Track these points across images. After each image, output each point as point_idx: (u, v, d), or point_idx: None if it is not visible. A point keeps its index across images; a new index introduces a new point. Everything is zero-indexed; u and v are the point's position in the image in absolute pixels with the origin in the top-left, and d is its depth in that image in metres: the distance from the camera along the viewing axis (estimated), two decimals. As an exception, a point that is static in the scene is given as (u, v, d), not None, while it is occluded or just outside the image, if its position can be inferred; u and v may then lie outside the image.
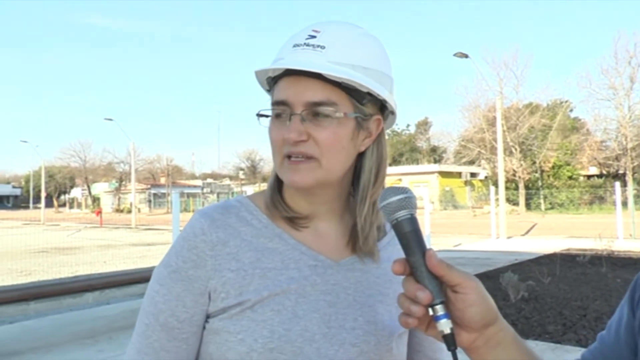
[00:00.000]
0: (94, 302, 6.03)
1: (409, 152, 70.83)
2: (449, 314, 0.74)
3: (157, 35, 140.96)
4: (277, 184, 0.96)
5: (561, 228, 22.86)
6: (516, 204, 40.62)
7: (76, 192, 77.08)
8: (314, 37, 0.89)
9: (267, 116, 0.92)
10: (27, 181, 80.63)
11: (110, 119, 37.13)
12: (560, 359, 4.81)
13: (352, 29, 0.92)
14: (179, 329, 0.89)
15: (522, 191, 40.36)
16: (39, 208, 49.17)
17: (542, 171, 43.20)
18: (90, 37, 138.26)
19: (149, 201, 62.31)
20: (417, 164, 61.27)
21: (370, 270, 0.96)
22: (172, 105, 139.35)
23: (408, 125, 75.57)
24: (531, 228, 23.61)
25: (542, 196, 41.46)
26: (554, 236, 18.58)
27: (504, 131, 27.82)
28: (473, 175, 50.76)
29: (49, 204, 64.13)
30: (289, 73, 0.87)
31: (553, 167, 43.22)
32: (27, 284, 6.55)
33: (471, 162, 48.36)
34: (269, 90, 0.96)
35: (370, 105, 0.91)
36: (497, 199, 19.41)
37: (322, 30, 0.89)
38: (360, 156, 0.94)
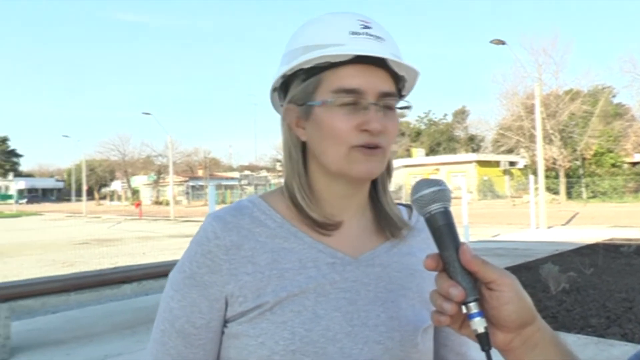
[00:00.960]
0: (132, 293, 6.13)
1: (446, 141, 70.11)
2: (483, 312, 0.70)
3: (193, 30, 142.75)
4: (307, 187, 0.91)
5: (604, 217, 22.25)
6: (556, 192, 39.75)
7: (116, 185, 78.93)
8: (368, 27, 0.87)
9: (313, 104, 0.87)
10: (69, 175, 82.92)
11: (148, 113, 37.76)
12: (604, 353, 4.66)
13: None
14: (195, 335, 0.88)
15: (562, 180, 39.46)
16: (81, 201, 50.51)
17: (584, 159, 42.08)
18: (128, 34, 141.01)
19: (187, 193, 63.28)
20: (455, 153, 60.55)
21: (391, 265, 0.94)
22: (209, 99, 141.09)
23: (445, 115, 74.77)
24: (572, 217, 23.06)
25: (583, 184, 40.48)
26: (597, 226, 18.10)
27: (543, 119, 27.17)
28: (512, 164, 49.86)
29: (90, 197, 65.85)
30: (355, 61, 0.84)
31: (595, 155, 42.03)
32: (68, 275, 6.67)
33: (510, 151, 47.46)
34: (283, 82, 0.93)
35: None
36: (536, 188, 19.01)
37: (370, 22, 0.88)
38: None
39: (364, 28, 0.86)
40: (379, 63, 0.85)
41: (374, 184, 0.96)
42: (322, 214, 0.90)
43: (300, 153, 0.92)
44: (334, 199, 0.92)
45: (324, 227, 0.90)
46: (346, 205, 0.93)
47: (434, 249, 0.97)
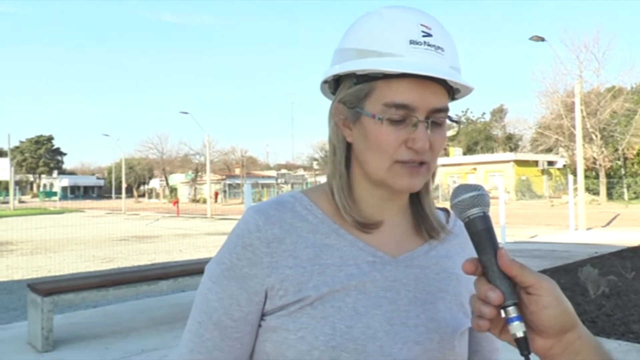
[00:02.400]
0: (169, 289, 6.24)
1: (483, 140, 69.15)
2: (521, 317, 0.70)
3: (231, 30, 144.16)
4: (348, 188, 0.92)
5: (647, 219, 21.58)
6: (596, 193, 38.72)
7: (154, 183, 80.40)
8: (429, 35, 0.84)
9: (360, 113, 0.87)
10: (110, 173, 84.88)
11: (186, 112, 38.28)
12: (645, 359, 4.53)
13: (442, 24, 0.89)
14: (232, 328, 0.87)
15: (603, 180, 38.40)
16: (121, 198, 51.64)
17: (626, 159, 40.87)
18: (168, 34, 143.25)
19: (224, 191, 63.95)
20: (492, 152, 59.67)
21: (430, 267, 0.93)
22: (246, 98, 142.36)
23: (483, 113, 73.80)
24: (613, 219, 22.42)
25: (625, 185, 39.33)
26: (639, 228, 17.56)
27: (583, 117, 26.53)
28: (550, 163, 48.83)
29: (129, 194, 67.22)
30: (414, 75, 0.81)
31: (638, 154, 40.78)
32: (106, 271, 6.88)
33: (548, 150, 46.47)
34: (329, 85, 0.94)
35: None
36: (575, 188, 18.55)
37: (432, 27, 0.85)
38: None
39: (424, 36, 0.83)
40: (436, 78, 0.83)
41: None
42: (361, 214, 0.90)
43: (344, 153, 0.91)
44: (374, 201, 0.92)
45: (364, 226, 0.90)
46: (386, 207, 0.93)
47: (470, 253, 0.97)
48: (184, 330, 0.93)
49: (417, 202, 0.97)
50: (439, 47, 0.84)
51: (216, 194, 58.19)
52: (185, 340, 0.91)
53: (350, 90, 0.88)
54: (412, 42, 0.83)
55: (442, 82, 0.84)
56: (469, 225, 0.75)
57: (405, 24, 0.84)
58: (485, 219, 0.75)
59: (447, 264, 0.96)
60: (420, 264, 0.93)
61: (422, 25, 0.84)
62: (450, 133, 0.93)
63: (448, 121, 0.88)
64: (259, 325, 0.89)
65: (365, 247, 0.90)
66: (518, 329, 0.70)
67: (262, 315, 0.88)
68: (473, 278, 0.75)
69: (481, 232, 0.74)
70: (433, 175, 0.96)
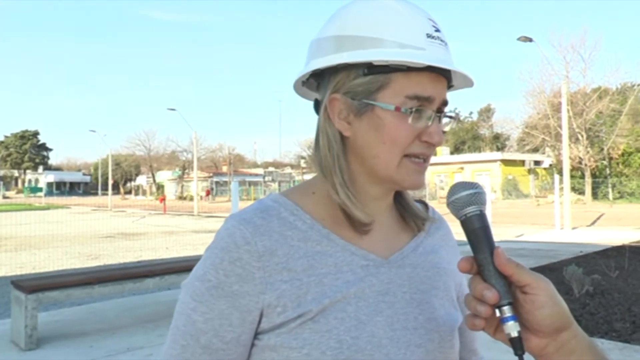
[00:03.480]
0: (155, 287, 6.22)
1: (471, 139, 69.54)
2: (516, 317, 0.71)
3: (219, 27, 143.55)
4: (350, 183, 0.87)
5: (631, 218, 21.81)
6: (582, 193, 39.11)
7: (141, 180, 79.99)
8: (438, 30, 0.84)
9: (373, 104, 0.83)
10: (96, 169, 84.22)
11: (174, 109, 38.15)
12: (629, 359, 4.59)
13: None
14: (224, 350, 0.81)
15: (588, 180, 38.78)
16: (107, 194, 51.31)
17: (611, 159, 41.30)
18: (157, 30, 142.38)
19: (211, 189, 63.74)
20: (480, 151, 60.05)
21: (420, 264, 0.92)
22: (234, 95, 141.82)
23: (471, 113, 74.09)
24: (598, 218, 22.66)
25: (610, 185, 39.76)
26: (623, 227, 17.74)
27: (569, 117, 26.75)
28: (537, 163, 49.21)
29: (115, 191, 66.81)
30: (431, 68, 0.81)
31: (623, 155, 41.22)
32: (91, 268, 6.84)
33: (535, 150, 46.86)
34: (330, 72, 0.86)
35: None
36: (561, 188, 18.71)
37: (436, 21, 0.85)
38: None
39: (436, 31, 0.83)
40: (444, 72, 0.83)
41: None
42: (365, 212, 0.86)
43: (341, 148, 0.86)
44: (369, 199, 0.89)
45: (362, 226, 0.86)
46: (378, 206, 0.91)
47: (451, 246, 0.96)
48: (163, 353, 0.85)
49: (400, 197, 0.96)
50: (446, 43, 0.85)
51: (208, 192, 58.14)
52: None
53: (358, 81, 0.82)
54: (428, 35, 0.82)
55: (447, 78, 0.85)
56: (466, 223, 0.75)
57: (418, 17, 0.83)
58: (482, 217, 0.75)
59: (434, 259, 0.94)
60: (411, 262, 0.91)
61: (430, 19, 0.84)
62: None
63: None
64: (253, 345, 0.83)
65: (358, 251, 0.86)
66: (513, 328, 0.70)
67: (257, 334, 0.82)
68: (458, 270, 0.75)
69: (478, 230, 0.74)
70: None
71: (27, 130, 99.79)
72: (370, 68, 0.81)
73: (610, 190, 39.66)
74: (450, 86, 0.88)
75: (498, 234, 15.59)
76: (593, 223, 20.35)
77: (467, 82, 0.90)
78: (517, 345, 0.70)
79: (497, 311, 0.71)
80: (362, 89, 0.82)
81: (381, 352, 0.82)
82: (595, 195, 39.41)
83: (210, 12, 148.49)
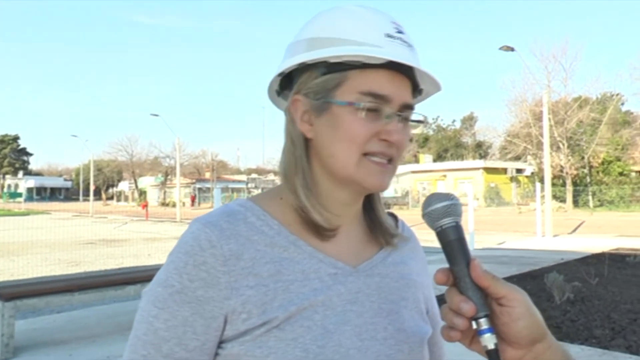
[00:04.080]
0: (136, 294, 6.13)
1: (453, 147, 70.08)
2: (493, 328, 0.70)
3: (202, 32, 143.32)
4: (312, 186, 0.86)
5: (610, 226, 22.11)
6: (563, 200, 39.57)
7: (123, 186, 79.24)
8: (401, 32, 0.83)
9: (332, 102, 0.82)
10: (78, 174, 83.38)
11: (156, 115, 37.89)
12: (608, 364, 4.63)
13: None
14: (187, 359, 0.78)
15: (569, 188, 39.29)
16: (88, 200, 50.80)
17: (591, 167, 41.91)
18: (139, 35, 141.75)
19: (195, 195, 63.36)
20: (462, 159, 60.47)
21: (389, 274, 0.91)
22: (217, 101, 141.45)
23: (453, 121, 74.74)
24: (578, 226, 22.92)
25: (590, 193, 40.30)
26: (603, 235, 17.98)
27: (551, 126, 27.06)
28: (519, 171, 49.71)
29: (97, 197, 66.14)
30: (390, 67, 0.80)
31: (603, 163, 41.87)
32: (71, 275, 6.75)
33: (517, 158, 47.33)
34: (293, 72, 0.87)
35: None
36: (542, 196, 18.91)
37: (402, 27, 0.84)
38: None
39: (397, 32, 0.83)
40: (406, 72, 0.81)
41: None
42: (327, 214, 0.85)
43: (304, 150, 0.85)
44: (334, 204, 0.87)
45: (325, 231, 0.85)
46: (344, 212, 0.88)
47: (420, 257, 0.96)
48: None
49: (370, 208, 0.93)
50: (410, 45, 0.83)
51: (193, 198, 57.84)
52: None
53: (317, 80, 0.83)
54: (387, 35, 0.81)
55: (411, 80, 0.83)
56: (441, 235, 0.74)
57: (379, 19, 0.83)
58: (458, 229, 0.74)
59: (404, 270, 0.93)
60: (380, 272, 0.90)
61: (393, 23, 0.84)
62: (415, 131, 0.90)
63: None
64: (216, 354, 0.80)
65: (325, 259, 0.85)
66: (489, 341, 0.70)
67: (220, 342, 0.79)
68: (428, 283, 0.74)
69: (453, 242, 0.73)
70: None
71: (6, 135, 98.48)
72: (328, 67, 0.81)
73: (590, 198, 40.18)
74: (420, 90, 0.87)
75: (480, 241, 15.71)
76: (574, 231, 20.58)
77: (435, 86, 0.88)
78: (494, 357, 0.70)
79: (474, 323, 0.70)
80: (321, 88, 0.82)
81: None
82: (576, 203, 39.89)
83: (194, 17, 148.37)
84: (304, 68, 0.84)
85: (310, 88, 0.83)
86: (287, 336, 0.77)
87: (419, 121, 0.86)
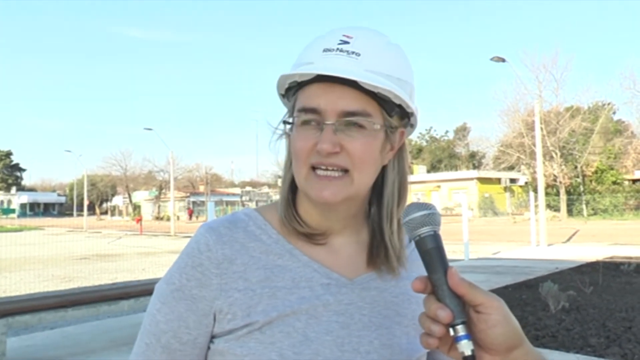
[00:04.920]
0: (130, 309, 6.10)
1: (447, 158, 70.33)
2: (470, 335, 0.71)
3: (195, 47, 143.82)
4: (292, 197, 0.90)
5: (604, 235, 22.19)
6: (557, 210, 39.71)
7: (117, 200, 78.97)
8: (346, 42, 0.84)
9: (289, 123, 0.87)
10: (71, 189, 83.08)
11: (150, 129, 37.89)
12: (603, 373, 4.62)
13: (381, 36, 0.88)
14: (181, 351, 0.85)
15: (563, 197, 39.43)
16: (82, 215, 50.59)
17: (584, 176, 42.12)
18: (131, 50, 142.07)
19: (187, 209, 63.19)
20: (456, 170, 60.68)
21: (388, 289, 0.91)
22: (211, 115, 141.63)
23: (447, 131, 75.16)
24: (573, 235, 22.99)
25: (584, 202, 40.47)
26: (597, 243, 18.03)
27: (543, 135, 27.22)
28: (513, 181, 49.88)
29: (91, 212, 65.86)
30: (321, 79, 0.82)
31: (596, 172, 42.10)
32: (64, 291, 6.72)
33: (511, 168, 47.51)
34: (284, 95, 0.92)
35: (396, 117, 0.87)
36: (536, 205, 18.97)
37: (355, 36, 0.84)
38: (382, 170, 0.90)
39: (341, 44, 0.83)
40: (346, 81, 0.80)
41: (380, 206, 0.90)
42: (305, 224, 0.88)
43: (290, 167, 0.90)
44: (316, 212, 0.89)
45: (309, 236, 0.88)
46: (330, 225, 0.90)
47: None
48: (132, 351, 0.90)
49: (377, 225, 0.91)
50: (353, 52, 0.83)
51: (190, 212, 57.78)
52: None
53: (288, 105, 0.90)
54: (325, 49, 0.84)
55: (356, 86, 0.81)
56: (420, 243, 0.75)
57: (328, 37, 0.86)
58: (436, 237, 0.75)
59: (407, 286, 0.90)
60: (377, 286, 0.90)
61: (343, 35, 0.85)
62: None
63: (378, 127, 0.84)
64: (208, 348, 0.86)
65: (320, 269, 0.87)
66: (466, 347, 0.71)
67: (212, 337, 0.86)
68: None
69: (431, 250, 0.74)
70: (401, 195, 0.91)
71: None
72: (291, 91, 0.88)
73: (584, 207, 40.35)
74: (378, 95, 0.83)
75: (475, 251, 15.72)
76: (568, 239, 20.64)
77: (388, 91, 0.84)
78: None
79: (451, 330, 0.71)
80: (289, 111, 0.89)
81: None
82: (570, 212, 40.03)
83: (186, 31, 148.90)
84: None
85: (289, 109, 0.90)
86: (266, 339, 0.81)
87: (355, 123, 0.83)
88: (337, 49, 0.83)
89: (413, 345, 0.89)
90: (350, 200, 0.86)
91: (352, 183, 0.83)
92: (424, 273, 0.95)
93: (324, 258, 0.88)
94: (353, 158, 0.82)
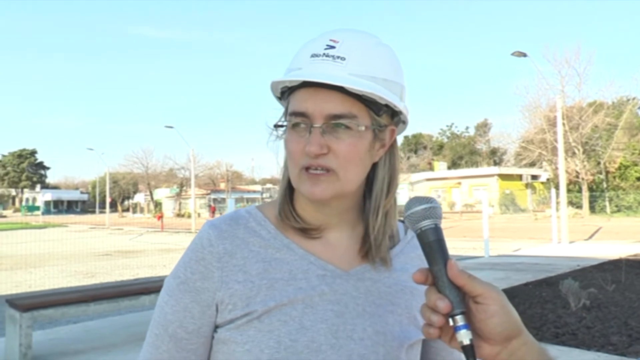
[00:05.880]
0: (151, 304, 6.18)
1: (468, 154, 69.80)
2: (469, 325, 0.73)
3: (216, 45, 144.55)
4: (289, 194, 0.96)
5: (628, 232, 21.82)
6: (579, 207, 39.13)
7: (139, 198, 79.75)
8: (332, 47, 0.88)
9: (282, 126, 0.92)
10: (94, 187, 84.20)
11: (171, 127, 38.21)
12: (624, 371, 4.57)
13: (369, 38, 0.91)
14: (187, 340, 0.91)
15: (585, 193, 38.85)
16: (105, 213, 51.26)
17: (607, 172, 41.42)
18: (153, 48, 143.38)
19: (209, 206, 63.66)
20: (477, 166, 60.21)
21: (382, 280, 0.95)
22: (231, 113, 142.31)
23: (467, 128, 74.61)
24: (595, 232, 22.67)
25: (607, 198, 39.83)
26: (620, 241, 17.77)
27: (565, 131, 26.87)
28: (534, 177, 49.32)
29: (113, 209, 66.64)
30: (308, 84, 0.86)
31: (619, 168, 41.35)
32: (87, 286, 6.85)
33: (532, 164, 46.94)
34: (280, 98, 0.96)
35: (385, 116, 0.91)
36: (558, 202, 18.75)
37: (341, 40, 0.88)
38: (373, 166, 0.94)
39: (327, 48, 0.87)
40: (331, 85, 0.84)
41: (369, 201, 0.95)
42: (300, 220, 0.93)
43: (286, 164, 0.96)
44: (309, 212, 0.95)
45: (304, 231, 0.93)
46: (325, 220, 0.95)
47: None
48: (144, 342, 0.96)
49: (366, 221, 0.95)
50: (338, 57, 0.87)
51: (213, 209, 58.23)
52: (143, 352, 0.95)
53: (284, 108, 0.94)
54: (313, 55, 0.88)
55: (341, 89, 0.85)
56: (421, 236, 0.78)
57: (316, 41, 0.90)
58: (437, 230, 0.77)
59: (401, 277, 0.97)
60: (372, 277, 0.94)
61: (331, 40, 0.89)
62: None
63: (363, 128, 0.87)
64: (213, 337, 0.92)
65: (316, 261, 0.92)
66: (465, 336, 0.72)
67: (216, 327, 0.91)
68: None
69: (432, 243, 0.76)
70: (389, 192, 0.95)
71: (24, 149, 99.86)
72: (282, 93, 0.93)
73: (607, 204, 39.72)
74: (365, 97, 0.87)
75: (495, 248, 15.60)
76: (590, 237, 20.35)
77: (372, 94, 0.87)
78: (468, 352, 0.73)
79: (450, 320, 0.73)
80: (283, 115, 0.93)
81: (318, 357, 0.86)
82: (592, 209, 39.45)
83: (207, 28, 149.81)
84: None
85: (283, 112, 0.94)
86: (265, 328, 0.86)
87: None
88: (324, 54, 0.87)
89: (406, 332, 0.93)
90: (341, 196, 0.90)
91: (338, 180, 0.88)
92: (420, 265, 0.98)
93: (320, 251, 0.94)
94: (340, 158, 0.87)
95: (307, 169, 0.87)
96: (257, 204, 1.05)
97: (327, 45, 0.88)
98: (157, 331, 0.93)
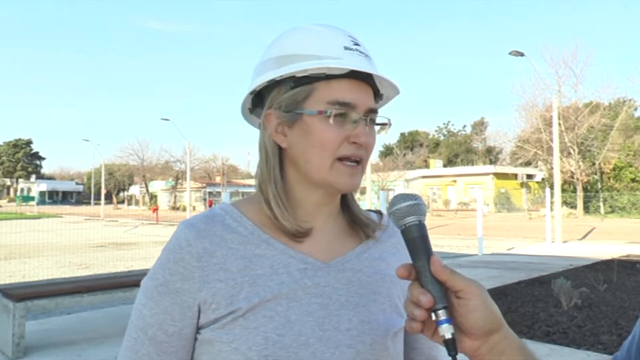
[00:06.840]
0: (144, 296, 6.21)
1: (464, 152, 69.88)
2: (451, 320, 0.75)
3: (212, 37, 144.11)
4: (284, 197, 0.93)
5: (622, 233, 21.94)
6: (574, 207, 39.27)
7: (134, 190, 79.61)
8: (358, 44, 0.91)
9: (310, 113, 0.89)
10: (89, 178, 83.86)
11: (167, 119, 38.13)
12: (613, 369, 4.60)
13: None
14: (167, 343, 0.89)
15: (580, 194, 38.97)
16: (100, 204, 51.17)
17: (602, 173, 41.57)
18: (150, 40, 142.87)
19: (204, 199, 63.58)
20: (472, 165, 60.24)
21: (362, 269, 0.96)
22: (228, 106, 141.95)
23: (464, 126, 74.70)
24: (589, 232, 22.77)
25: (601, 199, 39.98)
26: (613, 241, 17.87)
27: (561, 131, 26.94)
28: (529, 177, 49.43)
29: (108, 201, 66.54)
30: (351, 76, 0.88)
31: (614, 169, 41.51)
32: (81, 277, 6.86)
33: (527, 164, 47.06)
34: (264, 87, 0.94)
35: None
36: (553, 202, 18.82)
37: (357, 39, 0.92)
38: None
39: (354, 45, 0.90)
40: (366, 80, 0.90)
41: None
42: (295, 222, 0.92)
43: (277, 159, 0.93)
44: (309, 206, 0.94)
45: (297, 234, 0.92)
46: (319, 212, 0.96)
47: (404, 254, 1.01)
48: (121, 346, 0.94)
49: (347, 206, 1.00)
50: (367, 55, 0.92)
51: (210, 203, 58.22)
52: (121, 357, 0.92)
53: (287, 94, 0.90)
54: (346, 47, 0.90)
55: (372, 86, 0.91)
56: (405, 232, 0.79)
57: (336, 34, 0.92)
58: (421, 226, 0.79)
59: (380, 265, 0.98)
60: (352, 267, 0.95)
61: (350, 37, 0.92)
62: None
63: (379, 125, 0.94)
64: (196, 339, 0.90)
65: (296, 255, 0.92)
66: (446, 330, 0.74)
67: (198, 329, 0.89)
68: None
69: (416, 239, 0.78)
70: None
71: (20, 139, 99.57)
72: (295, 81, 0.89)
73: (601, 204, 39.86)
74: (381, 95, 0.96)
75: (489, 246, 15.66)
76: (584, 237, 20.44)
77: (394, 89, 0.96)
78: (450, 346, 0.74)
79: (432, 315, 0.75)
80: (291, 101, 0.90)
81: (307, 351, 0.86)
82: (587, 209, 39.58)
83: (203, 22, 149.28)
84: (273, 85, 0.92)
85: (281, 102, 0.91)
86: (250, 325, 0.85)
87: (383, 124, 0.94)
88: (356, 49, 0.90)
89: (390, 320, 0.94)
90: None
91: (363, 172, 0.93)
92: (395, 254, 1.01)
93: (299, 245, 0.93)
94: (368, 151, 0.91)
95: (340, 159, 0.89)
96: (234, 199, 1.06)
97: (353, 42, 0.91)
98: (135, 335, 0.90)
